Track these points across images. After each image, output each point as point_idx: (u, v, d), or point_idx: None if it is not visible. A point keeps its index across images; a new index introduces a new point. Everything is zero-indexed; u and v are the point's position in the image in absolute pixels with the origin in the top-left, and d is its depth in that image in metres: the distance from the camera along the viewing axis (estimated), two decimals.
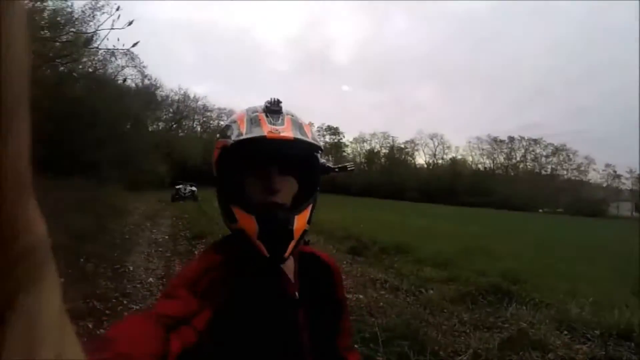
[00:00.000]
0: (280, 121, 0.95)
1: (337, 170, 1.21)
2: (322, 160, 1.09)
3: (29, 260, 0.20)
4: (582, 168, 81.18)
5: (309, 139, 0.95)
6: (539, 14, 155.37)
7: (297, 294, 1.00)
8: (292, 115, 1.00)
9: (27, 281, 0.20)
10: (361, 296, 5.63)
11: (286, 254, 0.93)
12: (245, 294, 0.91)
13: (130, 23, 4.43)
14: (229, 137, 0.94)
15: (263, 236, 0.91)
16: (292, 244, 0.94)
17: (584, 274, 8.70)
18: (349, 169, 1.25)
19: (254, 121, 0.95)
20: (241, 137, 0.90)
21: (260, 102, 1.03)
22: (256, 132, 0.91)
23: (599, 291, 6.53)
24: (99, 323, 4.40)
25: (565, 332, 4.52)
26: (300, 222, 0.95)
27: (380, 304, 5.29)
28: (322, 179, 1.08)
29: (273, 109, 0.98)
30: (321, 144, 0.99)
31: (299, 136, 0.92)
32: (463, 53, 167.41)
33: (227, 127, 0.99)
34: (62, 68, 6.16)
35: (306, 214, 0.98)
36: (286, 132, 0.92)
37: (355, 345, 3.81)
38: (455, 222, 22.89)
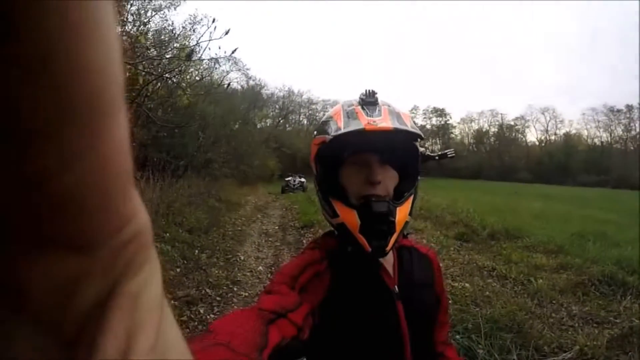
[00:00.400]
0: (377, 112, 0.94)
1: (436, 157, 1.20)
2: (422, 149, 1.07)
3: (133, 247, 0.21)
4: None
5: (408, 128, 0.93)
6: None
7: (396, 287, 1.00)
8: (389, 106, 1.00)
9: (130, 267, 0.21)
10: (467, 284, 5.42)
11: (388, 248, 0.92)
12: (345, 288, 0.93)
13: (227, 32, 4.70)
14: (328, 132, 0.95)
15: (365, 230, 0.92)
16: (394, 236, 0.93)
17: None
18: (449, 155, 1.23)
19: (350, 115, 0.95)
20: (340, 132, 0.90)
21: (363, 86, 1.03)
22: (354, 125, 0.91)
23: None
24: (209, 308, 4.74)
25: None
26: (401, 213, 0.95)
27: (486, 293, 5.06)
28: (427, 165, 1.09)
29: (369, 101, 0.98)
30: (420, 131, 0.96)
31: (398, 126, 0.91)
32: (568, 14, 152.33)
33: (325, 123, 1.00)
34: (171, 81, 6.75)
35: (407, 205, 0.98)
36: (384, 122, 0.90)
37: (457, 336, 3.72)
38: (570, 204, 20.96)
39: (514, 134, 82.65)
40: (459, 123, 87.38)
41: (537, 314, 4.48)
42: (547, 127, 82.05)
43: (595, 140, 78.13)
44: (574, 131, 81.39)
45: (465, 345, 3.59)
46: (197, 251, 6.84)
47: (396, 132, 0.89)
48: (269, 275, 6.17)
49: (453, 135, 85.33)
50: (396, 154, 1.00)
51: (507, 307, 4.43)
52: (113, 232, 0.19)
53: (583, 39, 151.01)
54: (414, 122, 1.00)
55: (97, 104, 0.16)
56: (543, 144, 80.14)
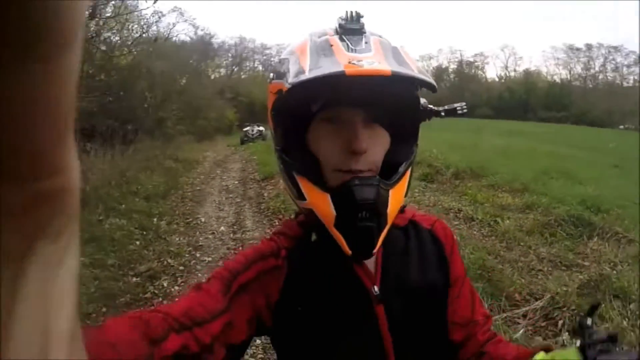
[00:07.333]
0: (363, 45, 0.64)
1: (443, 114, 0.86)
2: (423, 101, 0.75)
3: (55, 203, 0.18)
4: None
5: (414, 72, 0.62)
6: None
7: (375, 288, 0.73)
8: (380, 36, 0.69)
9: (47, 229, 0.18)
10: None
11: (375, 249, 0.67)
12: (305, 289, 0.68)
13: None
14: (286, 77, 0.63)
15: (343, 225, 0.66)
16: (384, 233, 0.68)
17: None
18: (458, 111, 0.91)
19: (322, 49, 0.64)
20: (302, 77, 0.59)
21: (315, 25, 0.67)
22: (327, 67, 0.59)
23: None
24: (173, 280, 4.53)
25: None
26: (395, 198, 0.68)
27: (455, 238, 5.03)
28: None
29: (350, 28, 0.67)
30: (431, 78, 0.66)
31: (397, 69, 0.60)
32: None
33: (283, 61, 0.68)
34: (109, 40, 6.16)
35: (404, 184, 0.71)
36: (376, 62, 0.59)
37: None
38: (532, 140, 21.30)
39: (473, 71, 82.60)
40: (417, 60, 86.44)
41: (506, 259, 4.43)
42: (507, 63, 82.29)
43: (555, 77, 79.11)
44: (533, 68, 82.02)
45: None
46: (155, 219, 6.57)
47: (395, 78, 0.59)
48: (231, 236, 5.98)
49: None
50: (390, 109, 0.71)
51: (476, 253, 4.35)
52: (30, 175, 0.17)
53: None
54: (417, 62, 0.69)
55: (51, 32, 0.14)
56: (503, 80, 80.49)
